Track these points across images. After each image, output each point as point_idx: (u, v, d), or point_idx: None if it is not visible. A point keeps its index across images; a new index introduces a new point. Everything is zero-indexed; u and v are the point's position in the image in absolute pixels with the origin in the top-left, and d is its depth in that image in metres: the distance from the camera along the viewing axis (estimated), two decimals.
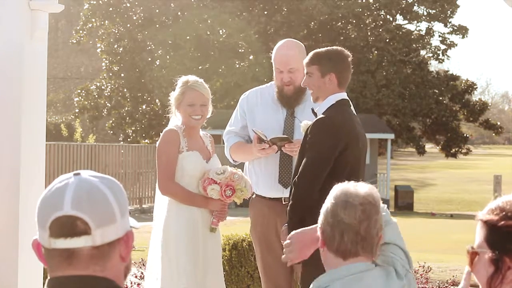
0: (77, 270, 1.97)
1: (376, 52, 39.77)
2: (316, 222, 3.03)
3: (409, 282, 3.08)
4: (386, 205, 3.16)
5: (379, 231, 2.94)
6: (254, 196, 5.74)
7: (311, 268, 4.01)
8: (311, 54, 4.98)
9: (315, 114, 4.99)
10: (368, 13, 40.20)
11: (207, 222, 5.44)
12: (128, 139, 39.13)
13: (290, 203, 4.76)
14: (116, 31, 38.93)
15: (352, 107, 5.10)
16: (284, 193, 5.52)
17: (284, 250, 3.39)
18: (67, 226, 1.96)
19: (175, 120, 5.58)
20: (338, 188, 2.97)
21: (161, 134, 5.54)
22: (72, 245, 1.97)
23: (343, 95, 4.94)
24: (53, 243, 1.98)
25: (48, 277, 2.03)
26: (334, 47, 5.06)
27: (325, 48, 5.01)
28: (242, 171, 5.63)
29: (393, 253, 3.11)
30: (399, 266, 3.07)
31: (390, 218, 3.20)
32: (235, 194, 5.37)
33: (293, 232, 3.38)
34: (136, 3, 38.43)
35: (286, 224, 4.78)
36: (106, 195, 2.00)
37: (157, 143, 5.55)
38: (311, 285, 2.96)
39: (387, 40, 39.72)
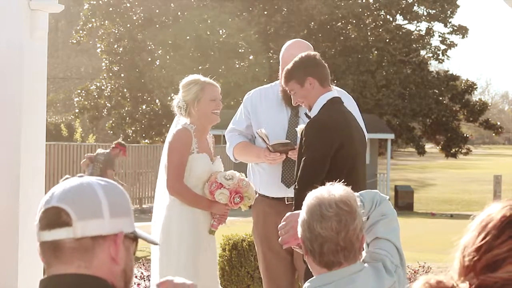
0: (63, 263, 1.99)
1: (376, 52, 39.75)
2: None
3: (399, 279, 3.06)
4: (388, 197, 3.13)
5: (360, 234, 2.91)
6: (257, 195, 5.75)
7: None
8: (283, 74, 5.07)
9: (309, 118, 5.03)
10: (368, 13, 40.18)
11: (208, 224, 5.44)
12: (128, 139, 39.09)
13: (294, 204, 4.78)
14: (116, 31, 38.91)
15: (344, 105, 5.10)
16: (287, 192, 5.51)
17: (279, 232, 3.39)
18: (52, 218, 2.00)
19: (182, 120, 5.49)
20: (311, 196, 2.93)
21: (174, 132, 5.45)
22: (54, 237, 1.99)
23: (332, 94, 4.99)
24: (41, 236, 2.02)
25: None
26: (298, 56, 5.05)
27: (291, 62, 5.04)
28: (245, 169, 5.64)
29: (383, 249, 3.09)
30: (388, 262, 3.05)
31: (389, 210, 3.17)
32: (243, 202, 5.39)
33: (288, 214, 3.38)
34: (136, 3, 38.41)
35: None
36: (95, 190, 2.02)
37: (168, 141, 5.46)
38: (304, 286, 2.96)
39: (387, 40, 39.70)
